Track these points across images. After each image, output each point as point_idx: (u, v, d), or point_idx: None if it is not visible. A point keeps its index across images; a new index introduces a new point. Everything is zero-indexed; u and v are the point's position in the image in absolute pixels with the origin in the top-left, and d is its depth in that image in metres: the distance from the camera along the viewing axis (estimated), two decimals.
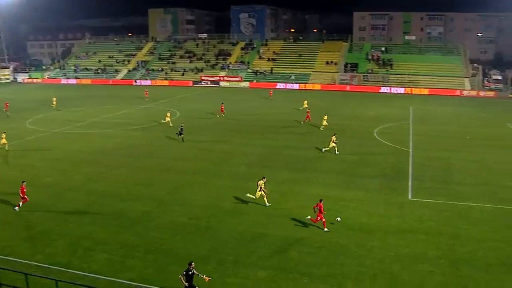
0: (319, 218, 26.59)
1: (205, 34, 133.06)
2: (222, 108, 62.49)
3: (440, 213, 29.36)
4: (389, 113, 67.41)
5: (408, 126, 57.43)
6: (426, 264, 22.96)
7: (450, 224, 27.76)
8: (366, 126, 56.67)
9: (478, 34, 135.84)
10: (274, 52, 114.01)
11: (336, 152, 43.22)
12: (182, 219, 28.15)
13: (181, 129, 48.30)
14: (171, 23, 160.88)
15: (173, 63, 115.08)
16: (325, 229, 26.65)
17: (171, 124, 55.08)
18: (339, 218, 27.53)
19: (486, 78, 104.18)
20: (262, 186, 30.06)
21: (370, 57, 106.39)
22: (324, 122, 54.26)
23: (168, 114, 56.45)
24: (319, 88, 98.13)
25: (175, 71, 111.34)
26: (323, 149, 43.95)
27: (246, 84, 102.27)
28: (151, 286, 20.77)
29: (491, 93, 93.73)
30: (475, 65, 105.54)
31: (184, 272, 19.47)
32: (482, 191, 33.67)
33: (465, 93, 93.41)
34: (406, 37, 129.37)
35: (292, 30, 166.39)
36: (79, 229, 26.57)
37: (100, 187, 34.04)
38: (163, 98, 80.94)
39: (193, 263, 19.76)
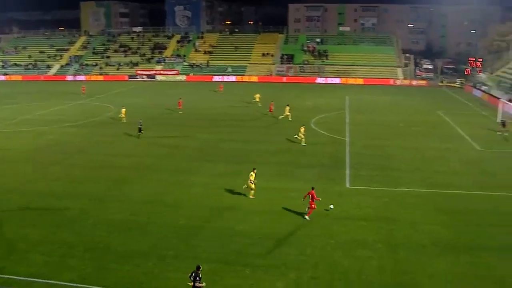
0: (313, 205, 27.02)
1: (140, 28, 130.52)
2: (180, 104, 60.86)
3: (378, 199, 30.31)
4: (325, 103, 68.68)
5: (344, 116, 58.78)
6: (365, 250, 23.68)
7: (387, 210, 28.73)
8: (303, 116, 57.53)
9: (410, 25, 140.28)
10: (210, 44, 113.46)
11: (303, 144, 43.74)
12: (122, 215, 27.73)
13: (140, 125, 47.04)
14: (104, 16, 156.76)
15: (108, 57, 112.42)
16: (307, 217, 27.13)
17: (124, 120, 53.91)
18: (331, 206, 28.32)
19: (418, 68, 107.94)
20: (253, 178, 29.89)
21: (305, 48, 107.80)
22: (287, 113, 55.11)
23: (123, 110, 54.94)
24: (256, 80, 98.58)
25: (110, 65, 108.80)
26: (295, 136, 44.80)
27: (182, 78, 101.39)
28: (92, 286, 20.41)
29: (422, 82, 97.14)
30: (407, 55, 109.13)
31: (192, 277, 18.91)
32: (416, 177, 35.08)
33: (398, 82, 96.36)
34: (341, 28, 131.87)
35: (228, 22, 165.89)
36: (14, 232, 25.61)
37: (35, 186, 32.96)
38: (99, 94, 79.06)
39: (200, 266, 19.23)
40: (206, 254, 23.18)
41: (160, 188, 32.35)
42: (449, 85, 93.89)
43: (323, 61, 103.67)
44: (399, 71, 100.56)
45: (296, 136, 44.69)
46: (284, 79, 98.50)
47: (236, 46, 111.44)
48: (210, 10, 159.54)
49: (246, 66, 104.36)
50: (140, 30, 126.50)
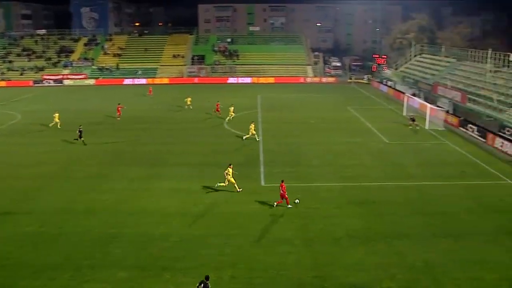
0: (284, 198, 28.79)
1: (44, 30, 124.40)
2: (118, 109, 57.39)
3: (292, 195, 30.92)
4: (238, 103, 69.09)
5: (257, 115, 59.51)
6: (284, 246, 24.06)
7: (303, 205, 29.38)
8: (216, 117, 57.67)
9: (317, 24, 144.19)
10: (119, 47, 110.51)
11: (258, 139, 45.43)
12: (32, 228, 26.33)
13: (80, 132, 44.94)
14: (4, 18, 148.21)
15: (10, 62, 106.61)
16: (289, 206, 28.94)
17: (59, 126, 51.33)
18: (297, 200, 29.37)
19: (327, 65, 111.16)
20: (230, 173, 31.01)
21: (216, 48, 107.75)
22: (232, 113, 55.49)
23: (56, 115, 52.08)
24: (167, 82, 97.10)
25: (13, 70, 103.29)
26: (244, 137, 45.94)
27: (91, 82, 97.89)
28: None
29: (332, 79, 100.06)
30: (316, 53, 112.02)
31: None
32: (328, 172, 36.19)
33: (308, 80, 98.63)
34: (251, 28, 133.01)
35: (137, 24, 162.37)
36: None
37: None
38: (1, 101, 74.87)
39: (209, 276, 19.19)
40: (123, 261, 22.61)
41: (72, 197, 31.17)
42: (357, 82, 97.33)
43: (234, 61, 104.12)
44: (309, 69, 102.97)
45: (246, 136, 45.90)
46: (196, 80, 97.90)
47: (146, 48, 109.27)
48: (117, 11, 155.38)
49: (157, 68, 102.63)
50: (44, 32, 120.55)
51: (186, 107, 63.13)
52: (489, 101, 49.76)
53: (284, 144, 44.66)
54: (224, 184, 31.74)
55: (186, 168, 36.88)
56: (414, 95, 70.89)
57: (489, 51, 53.56)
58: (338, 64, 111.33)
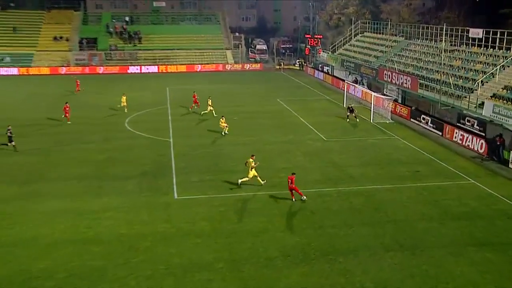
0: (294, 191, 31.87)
1: None
2: (66, 110, 54.18)
3: (214, 209, 30.62)
4: (141, 97, 68.12)
5: (167, 111, 59.06)
6: (204, 272, 23.62)
7: (226, 220, 29.13)
8: (113, 116, 56.62)
9: None
10: None
11: (224, 133, 48.29)
12: None
13: (9, 133, 43.13)
14: None
15: None
16: (304, 197, 32.00)
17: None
18: (304, 197, 32.03)
19: (250, 49, 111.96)
20: (253, 165, 33.99)
21: (112, 29, 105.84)
22: (210, 107, 56.79)
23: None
24: (48, 72, 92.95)
25: None
26: (224, 133, 48.49)
27: None
28: None
29: (257, 66, 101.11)
30: (237, 34, 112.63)
31: None
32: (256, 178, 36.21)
33: (228, 67, 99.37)
34: (155, 4, 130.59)
35: None
36: None
37: None
38: None
39: None
40: None
41: None
42: (288, 68, 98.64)
43: (136, 45, 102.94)
44: (229, 54, 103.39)
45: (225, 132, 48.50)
46: (87, 70, 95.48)
47: (14, 28, 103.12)
48: None
49: (33, 54, 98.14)
50: None
51: (120, 106, 59.44)
52: (445, 86, 51.65)
53: (201, 146, 44.51)
54: (247, 179, 34.34)
55: (76, 183, 35.69)
56: (356, 82, 72.63)
57: (444, 27, 55.44)
58: (264, 47, 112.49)
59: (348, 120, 53.37)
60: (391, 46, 72.89)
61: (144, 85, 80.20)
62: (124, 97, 58.59)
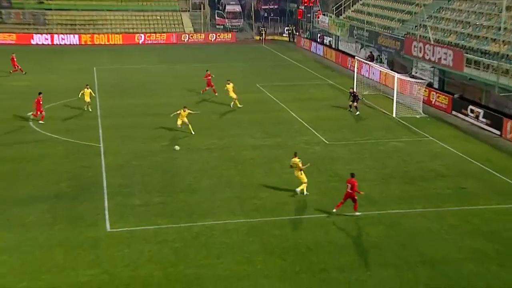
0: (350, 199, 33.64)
1: None
2: (37, 106, 53.20)
3: (166, 246, 30.17)
4: (54, 82, 67.72)
5: (94, 103, 58.74)
6: None
7: (184, 262, 28.69)
8: (13, 107, 56.58)
9: None
10: None
11: (192, 133, 49.06)
12: None
13: None
14: None
15: None
16: (357, 213, 33.75)
17: None
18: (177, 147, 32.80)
19: (218, 11, 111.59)
20: (301, 166, 36.24)
21: None
22: (232, 94, 57.05)
23: None
24: None
25: None
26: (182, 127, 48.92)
27: None
28: None
29: (227, 36, 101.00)
30: None
31: None
32: (227, 199, 35.77)
33: (185, 38, 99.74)
34: None
35: None
36: None
37: None
38: None
39: None
40: None
41: None
42: (272, 39, 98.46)
43: (43, 3, 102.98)
44: (186, 18, 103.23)
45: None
46: None
47: None
48: None
49: None
50: None
51: (86, 107, 57.55)
52: (507, 63, 51.28)
53: (148, 153, 44.25)
54: (305, 183, 36.48)
55: None
56: (371, 59, 72.54)
57: None
58: (237, 8, 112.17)
59: (351, 110, 53.76)
60: (424, 5, 71.95)
61: (58, 63, 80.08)
62: (88, 91, 56.89)
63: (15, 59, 70.15)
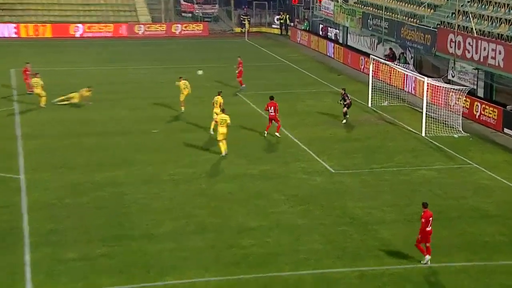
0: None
1: None
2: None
3: None
4: None
5: (12, 118, 59.22)
6: None
7: None
8: None
9: None
10: None
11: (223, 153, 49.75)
12: None
13: None
14: None
15: None
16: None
17: None
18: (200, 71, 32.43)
19: None
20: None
21: None
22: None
23: None
24: None
25: None
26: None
27: None
28: None
29: (197, 27, 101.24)
30: None
31: None
32: (194, 248, 35.37)
33: (140, 29, 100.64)
34: None
35: None
36: None
37: None
38: None
39: None
40: None
41: None
42: (258, 31, 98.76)
43: None
44: (141, 4, 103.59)
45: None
46: None
47: None
48: None
49: None
50: None
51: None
52: None
53: (85, 188, 43.79)
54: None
55: None
56: (391, 58, 72.55)
57: None
58: None
59: (343, 121, 55.47)
60: None
61: None
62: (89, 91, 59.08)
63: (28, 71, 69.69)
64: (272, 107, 52.09)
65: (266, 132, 52.89)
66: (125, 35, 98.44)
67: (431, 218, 32.85)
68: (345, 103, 54.88)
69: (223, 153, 48.45)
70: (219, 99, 55.69)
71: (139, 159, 48.62)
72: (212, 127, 52.55)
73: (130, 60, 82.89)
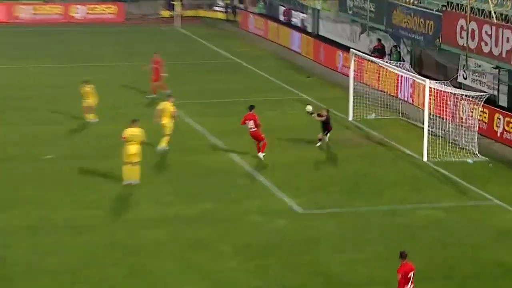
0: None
1: None
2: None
3: None
4: None
5: None
6: None
7: None
8: None
9: None
10: None
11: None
12: None
13: None
14: None
15: None
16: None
17: None
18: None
19: None
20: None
21: None
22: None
23: None
24: None
25: None
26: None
27: None
28: None
29: (108, 10, 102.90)
30: None
31: None
32: None
33: (23, 12, 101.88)
34: None
35: None
36: None
37: None
38: None
39: None
40: None
41: None
42: (195, 16, 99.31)
43: None
44: None
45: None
46: None
47: None
48: None
49: None
50: None
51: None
52: None
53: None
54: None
55: None
56: (379, 52, 72.65)
57: None
58: None
59: (318, 143, 55.64)
60: None
61: None
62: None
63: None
64: (252, 121, 52.79)
65: (262, 154, 53.46)
66: (3, 20, 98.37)
67: (411, 273, 32.21)
68: (325, 126, 54.46)
69: (131, 181, 48.83)
70: (167, 106, 56.30)
71: (24, 197, 48.40)
72: (164, 143, 53.50)
73: (4, 56, 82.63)
